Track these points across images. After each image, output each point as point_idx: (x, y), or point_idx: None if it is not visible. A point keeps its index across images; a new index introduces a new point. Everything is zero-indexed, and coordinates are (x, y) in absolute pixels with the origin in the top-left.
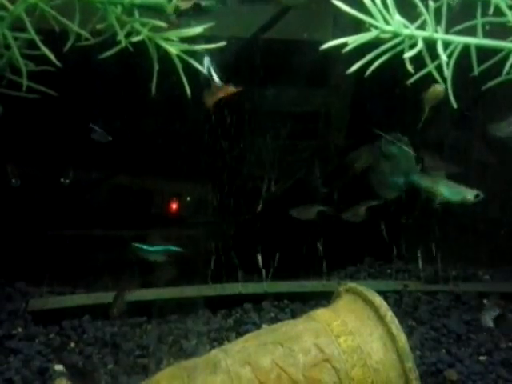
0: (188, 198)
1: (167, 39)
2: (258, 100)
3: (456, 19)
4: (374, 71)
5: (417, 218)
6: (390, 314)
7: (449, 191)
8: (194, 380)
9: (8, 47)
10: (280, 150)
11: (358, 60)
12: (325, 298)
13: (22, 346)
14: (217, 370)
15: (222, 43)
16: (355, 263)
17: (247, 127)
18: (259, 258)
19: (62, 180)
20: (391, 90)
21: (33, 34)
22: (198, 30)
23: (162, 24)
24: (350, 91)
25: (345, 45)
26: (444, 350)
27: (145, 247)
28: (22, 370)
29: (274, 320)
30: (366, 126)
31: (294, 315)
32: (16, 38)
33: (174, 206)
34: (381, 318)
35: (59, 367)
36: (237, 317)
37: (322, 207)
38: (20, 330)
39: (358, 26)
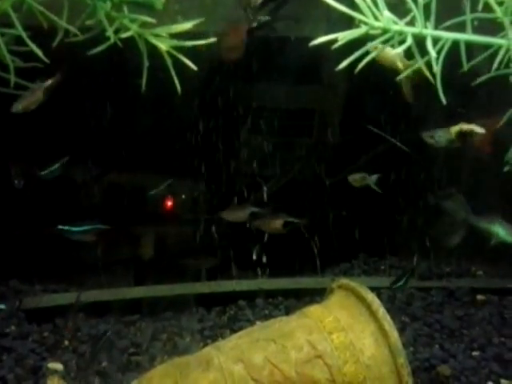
0: (183, 196)
1: (157, 35)
2: (250, 97)
3: (445, 15)
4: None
5: (410, 216)
6: (382, 310)
7: (504, 232)
8: (187, 377)
9: None
10: (273, 147)
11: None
12: (319, 295)
13: (16, 345)
14: (209, 367)
15: (213, 39)
16: (349, 259)
17: (239, 124)
18: (253, 254)
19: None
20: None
21: (20, 30)
22: (187, 26)
23: (151, 20)
24: (343, 88)
25: (335, 41)
26: (437, 346)
27: (68, 228)
28: (15, 369)
29: (268, 317)
30: (362, 123)
31: (288, 312)
32: (3, 34)
33: (169, 203)
34: (373, 314)
35: (53, 365)
36: (231, 314)
37: (254, 208)
38: (13, 328)
39: (350, 23)
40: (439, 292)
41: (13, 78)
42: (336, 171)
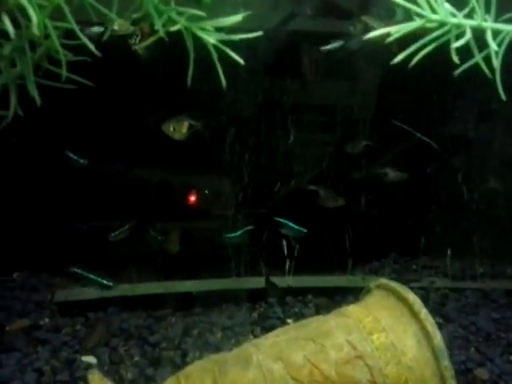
0: (206, 191)
1: (203, 29)
2: (284, 92)
3: (506, 7)
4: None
5: (444, 215)
6: (424, 311)
7: None
8: (226, 374)
9: (46, 37)
10: (303, 143)
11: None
12: (350, 293)
13: (50, 337)
14: (248, 364)
15: (259, 33)
16: (380, 258)
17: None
18: (283, 251)
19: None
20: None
21: (73, 24)
22: (235, 18)
23: (200, 13)
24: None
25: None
26: (473, 349)
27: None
28: (50, 361)
29: (299, 315)
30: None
31: (318, 310)
32: (55, 28)
33: (193, 198)
34: (415, 315)
35: (86, 358)
36: (261, 311)
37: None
38: (47, 320)
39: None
40: (474, 293)
41: (64, 73)
42: (362, 168)
